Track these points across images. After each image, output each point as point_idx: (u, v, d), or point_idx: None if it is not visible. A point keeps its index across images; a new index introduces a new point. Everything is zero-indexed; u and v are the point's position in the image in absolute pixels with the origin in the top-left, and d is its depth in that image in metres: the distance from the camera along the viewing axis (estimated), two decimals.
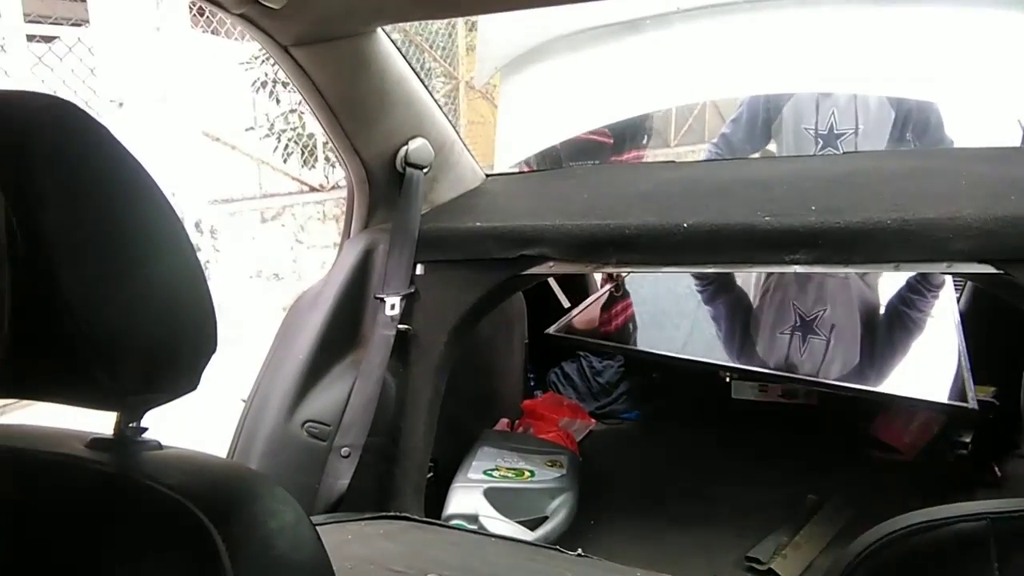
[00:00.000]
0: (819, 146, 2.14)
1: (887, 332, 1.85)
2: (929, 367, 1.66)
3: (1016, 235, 1.07)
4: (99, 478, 0.47)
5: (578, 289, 2.07)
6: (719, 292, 2.06)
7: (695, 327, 1.97)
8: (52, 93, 0.51)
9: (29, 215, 0.43)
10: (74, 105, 0.48)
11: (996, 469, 1.68)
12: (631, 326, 2.07)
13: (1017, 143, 1.79)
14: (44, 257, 0.43)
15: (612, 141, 2.89)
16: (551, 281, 1.96)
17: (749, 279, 2.10)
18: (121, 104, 4.23)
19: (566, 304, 1.95)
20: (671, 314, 2.08)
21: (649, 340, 1.97)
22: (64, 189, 0.45)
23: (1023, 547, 0.41)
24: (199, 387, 0.52)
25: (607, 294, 2.06)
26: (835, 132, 2.13)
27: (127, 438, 0.51)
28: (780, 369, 1.70)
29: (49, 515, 0.46)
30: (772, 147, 2.28)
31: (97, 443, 0.51)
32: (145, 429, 0.52)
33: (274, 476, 1.28)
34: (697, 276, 2.13)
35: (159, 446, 0.52)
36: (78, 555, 0.44)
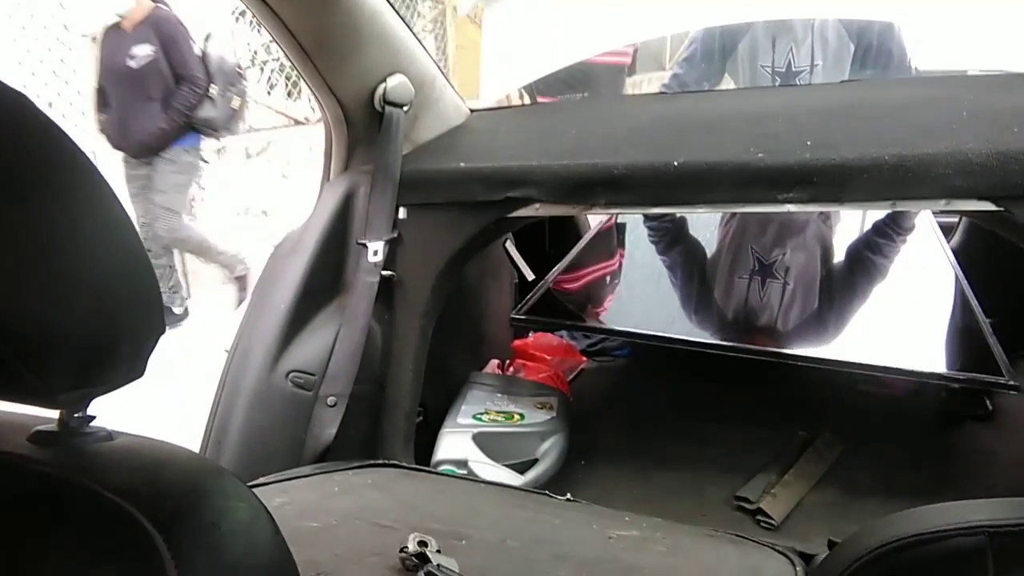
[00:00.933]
0: (776, 84, 2.11)
1: (850, 278, 1.83)
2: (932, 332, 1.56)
3: (1017, 171, 1.02)
4: (38, 479, 0.44)
5: (570, 229, 2.03)
6: (674, 242, 2.02)
7: (660, 291, 1.90)
8: None
9: None
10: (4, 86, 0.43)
11: (987, 402, 1.68)
12: (602, 289, 1.99)
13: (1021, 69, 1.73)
14: None
15: (630, 60, 2.78)
16: (511, 251, 1.81)
17: (708, 225, 2.06)
18: (95, 39, 4.07)
19: (529, 276, 1.83)
20: (639, 277, 2.00)
21: (619, 308, 1.89)
22: None
23: (1023, 563, 0.39)
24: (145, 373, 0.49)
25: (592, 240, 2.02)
26: (793, 70, 2.09)
27: (71, 430, 0.47)
28: (739, 314, 1.71)
29: None
30: (728, 85, 2.23)
31: (39, 437, 0.47)
32: (92, 418, 0.48)
33: (261, 429, 1.28)
34: (651, 227, 2.09)
35: (108, 436, 0.49)
36: (14, 566, 0.41)
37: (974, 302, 1.51)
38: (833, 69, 2.09)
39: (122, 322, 0.46)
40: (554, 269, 1.94)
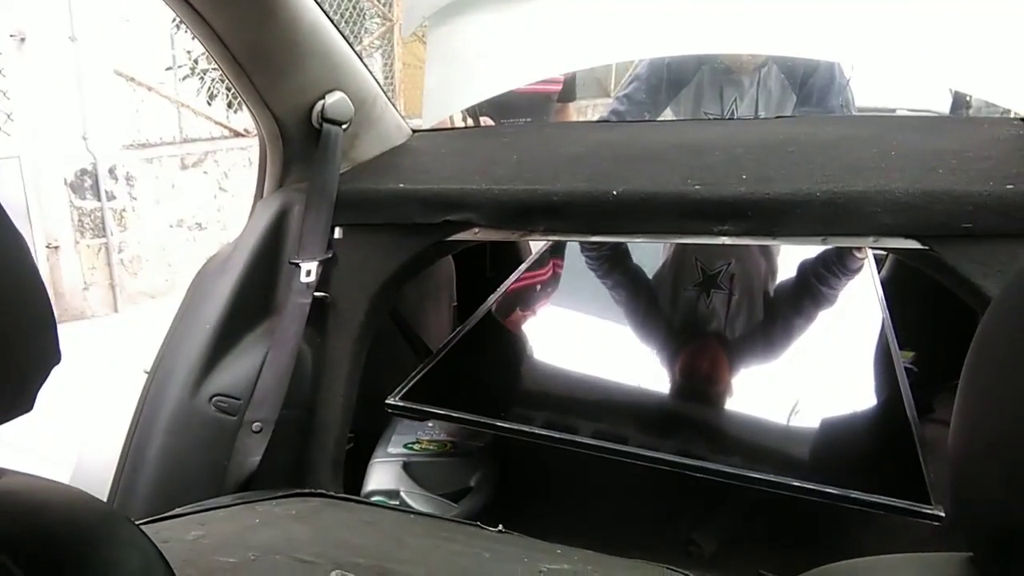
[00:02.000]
0: None
1: (797, 300, 1.84)
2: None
3: (942, 211, 1.06)
4: None
5: (511, 254, 2.02)
6: (614, 266, 1.98)
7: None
8: None
9: None
10: None
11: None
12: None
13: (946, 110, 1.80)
14: None
15: (561, 88, 2.84)
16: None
17: (649, 249, 2.04)
18: (23, 39, 3.92)
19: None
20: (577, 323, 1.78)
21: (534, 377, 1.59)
22: None
23: None
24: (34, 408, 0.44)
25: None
26: (735, 119, 2.16)
27: None
28: (686, 327, 1.70)
29: None
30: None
31: None
32: None
33: (181, 454, 1.22)
34: (588, 254, 2.03)
35: None
36: None
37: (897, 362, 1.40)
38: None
39: (9, 350, 0.42)
40: (510, 277, 1.86)
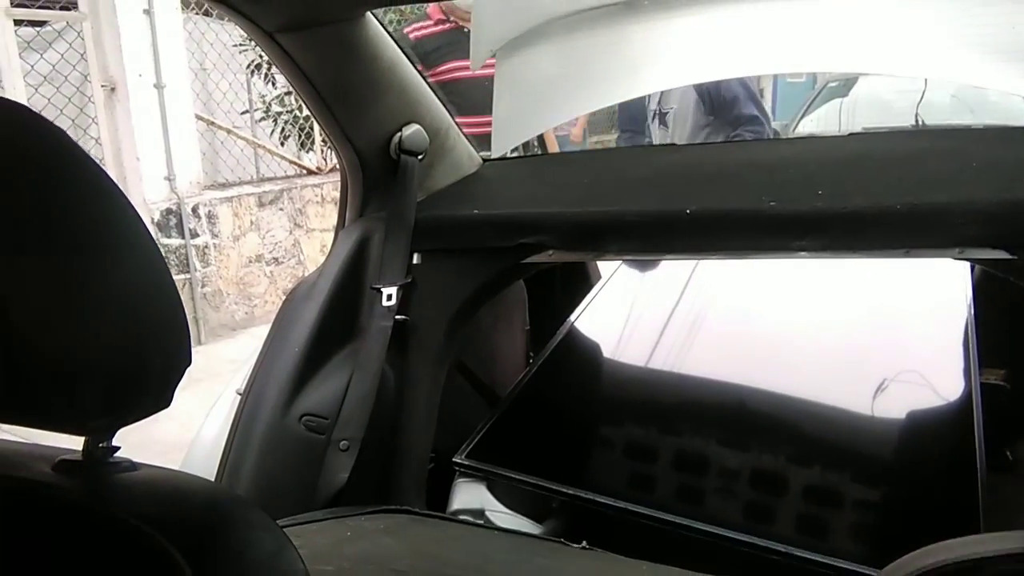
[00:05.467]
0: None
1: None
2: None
3: None
4: (64, 506, 0.45)
5: (579, 281, 2.04)
6: None
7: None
8: (9, 90, 0.47)
9: None
10: (22, 106, 0.45)
11: (1008, 453, 1.66)
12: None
13: None
14: None
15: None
16: None
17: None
18: (113, 89, 4.18)
19: None
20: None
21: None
22: (7, 194, 0.41)
23: None
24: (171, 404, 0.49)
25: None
26: (806, 136, 2.26)
27: (96, 460, 0.48)
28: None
29: (11, 546, 0.43)
30: None
31: (64, 465, 0.48)
32: (116, 448, 0.49)
33: (273, 472, 1.27)
34: None
35: (132, 467, 0.49)
36: None
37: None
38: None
39: (151, 352, 0.47)
40: (581, 304, 1.75)
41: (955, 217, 1.06)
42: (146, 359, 0.47)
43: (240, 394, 1.35)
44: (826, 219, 1.13)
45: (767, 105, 13.47)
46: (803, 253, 1.16)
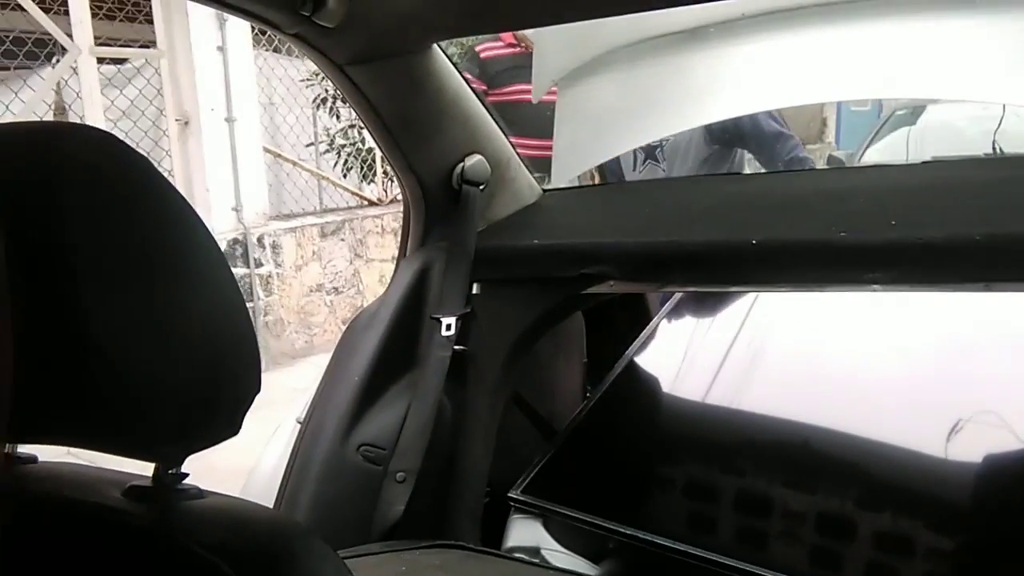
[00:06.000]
0: None
1: None
2: None
3: None
4: (134, 532, 0.45)
5: (638, 313, 2.00)
6: None
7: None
8: (91, 124, 0.48)
9: (55, 245, 0.40)
10: (111, 135, 0.46)
11: None
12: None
13: None
14: (72, 293, 0.40)
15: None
16: None
17: None
18: (187, 123, 4.34)
19: None
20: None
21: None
22: (95, 220, 0.42)
23: None
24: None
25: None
26: (878, 165, 2.16)
27: (165, 486, 0.48)
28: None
29: (81, 572, 0.43)
30: None
31: (134, 492, 0.48)
32: (185, 475, 0.49)
33: (330, 501, 1.27)
34: None
35: (200, 494, 0.49)
36: None
37: None
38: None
39: (223, 378, 0.47)
40: (639, 337, 1.69)
41: None
42: (218, 386, 0.47)
43: (300, 423, 1.36)
44: (899, 250, 1.08)
45: (831, 135, 13.30)
46: (875, 286, 1.12)
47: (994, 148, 2.00)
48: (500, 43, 3.10)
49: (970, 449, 1.31)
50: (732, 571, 1.13)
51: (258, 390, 0.49)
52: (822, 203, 1.31)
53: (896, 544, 1.18)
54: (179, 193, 0.47)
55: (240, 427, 0.49)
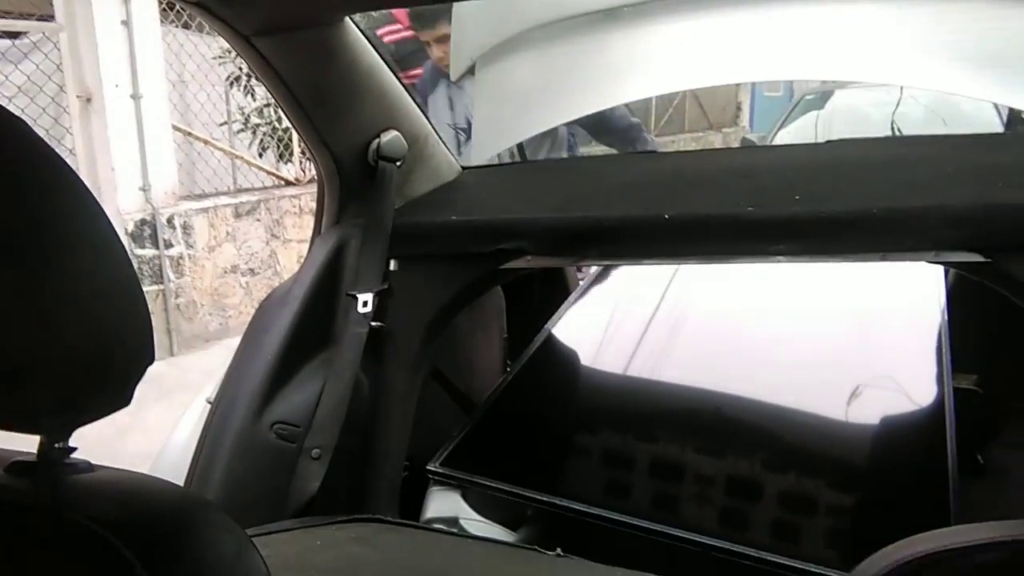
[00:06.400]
0: None
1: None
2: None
3: (1003, 223, 1.05)
4: (17, 509, 0.43)
5: (557, 288, 2.03)
6: None
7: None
8: None
9: None
10: None
11: (979, 457, 1.67)
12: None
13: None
14: None
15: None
16: None
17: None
18: (89, 99, 4.13)
19: None
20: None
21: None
22: None
23: None
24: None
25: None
26: (785, 145, 2.24)
27: (51, 461, 0.46)
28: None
29: None
30: None
31: (16, 467, 0.46)
32: (73, 449, 0.47)
33: (242, 480, 1.24)
34: None
35: (89, 468, 0.47)
36: None
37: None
38: None
39: (111, 348, 0.45)
40: (557, 312, 1.75)
41: (931, 221, 1.07)
42: (104, 356, 0.45)
43: (210, 402, 1.33)
44: (803, 223, 1.14)
45: (745, 119, 13.72)
46: (780, 257, 1.17)
47: (892, 129, 2.11)
48: (400, 26, 3.11)
49: (867, 412, 1.40)
50: (645, 531, 1.17)
51: (151, 360, 0.48)
52: (732, 180, 1.36)
53: (799, 502, 1.24)
54: (58, 157, 0.44)
55: (131, 399, 0.47)
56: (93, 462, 0.49)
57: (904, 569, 0.40)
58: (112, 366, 0.46)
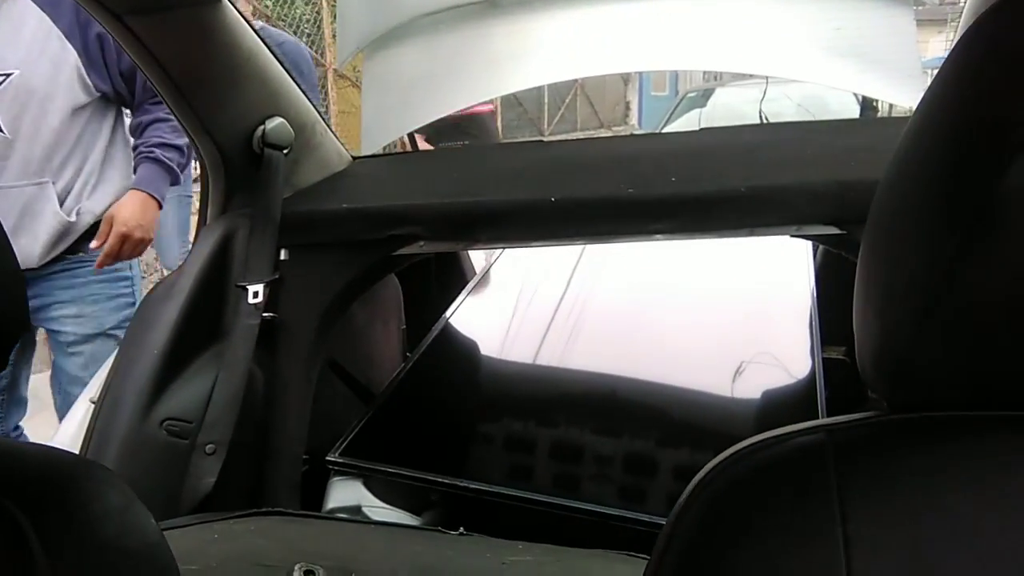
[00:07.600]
0: None
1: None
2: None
3: (857, 198, 1.14)
4: None
5: (454, 277, 2.05)
6: None
7: None
8: None
9: None
10: None
11: None
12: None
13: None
14: None
15: (493, 107, 3.04)
16: None
17: None
18: None
19: None
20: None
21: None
22: None
23: (858, 452, 0.43)
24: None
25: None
26: (663, 133, 2.34)
27: None
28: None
29: None
30: None
31: None
32: None
33: (132, 480, 1.19)
34: None
35: None
36: None
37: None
38: None
39: None
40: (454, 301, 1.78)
41: (792, 197, 1.16)
42: None
43: (94, 402, 1.27)
44: (677, 203, 1.21)
45: (634, 117, 14.17)
46: (658, 235, 1.23)
47: (760, 117, 2.25)
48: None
49: (748, 386, 1.48)
50: (545, 505, 1.20)
51: (25, 329, 0.47)
52: (613, 165, 1.42)
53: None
54: None
55: (6, 364, 0.46)
56: None
57: (735, 457, 0.44)
58: None
